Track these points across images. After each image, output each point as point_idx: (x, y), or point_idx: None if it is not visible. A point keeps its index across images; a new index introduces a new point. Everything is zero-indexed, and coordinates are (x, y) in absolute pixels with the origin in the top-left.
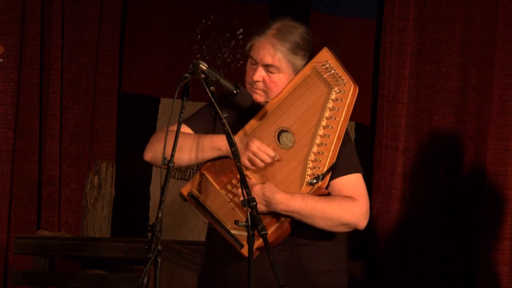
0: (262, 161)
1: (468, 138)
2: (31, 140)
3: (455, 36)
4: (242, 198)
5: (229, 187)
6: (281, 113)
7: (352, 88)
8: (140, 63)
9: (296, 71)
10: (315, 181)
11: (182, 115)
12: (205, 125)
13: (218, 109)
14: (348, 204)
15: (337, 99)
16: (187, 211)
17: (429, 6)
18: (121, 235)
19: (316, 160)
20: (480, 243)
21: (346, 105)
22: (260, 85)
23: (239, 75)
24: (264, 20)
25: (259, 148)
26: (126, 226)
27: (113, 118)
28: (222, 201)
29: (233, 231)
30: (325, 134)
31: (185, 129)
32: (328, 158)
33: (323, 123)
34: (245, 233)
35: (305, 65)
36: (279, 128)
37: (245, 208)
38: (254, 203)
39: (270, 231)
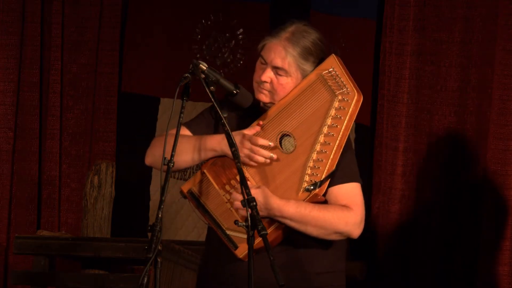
0: (261, 155)
1: (468, 138)
2: (31, 140)
3: (455, 36)
4: (236, 201)
5: (227, 187)
6: (285, 117)
7: (356, 97)
8: (140, 63)
9: (304, 76)
10: (312, 187)
11: (182, 115)
12: (206, 128)
13: (218, 109)
14: (343, 213)
15: (340, 107)
16: (187, 211)
17: (429, 6)
18: (121, 235)
19: (315, 167)
20: (480, 243)
21: (349, 113)
22: (267, 85)
23: (239, 75)
24: (264, 20)
25: (254, 143)
26: (126, 226)
27: (113, 118)
28: (220, 201)
29: (228, 232)
30: (325, 142)
31: (184, 131)
32: (327, 166)
33: (324, 130)
34: (241, 234)
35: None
36: (282, 132)
37: (240, 210)
38: (254, 203)
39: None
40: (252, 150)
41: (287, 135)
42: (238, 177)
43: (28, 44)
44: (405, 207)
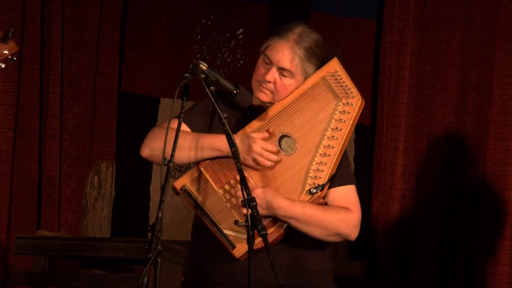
0: (268, 160)
1: (468, 138)
2: (31, 140)
3: (455, 36)
4: (240, 200)
5: (227, 187)
6: (285, 118)
7: (360, 101)
8: (140, 63)
9: (306, 78)
10: (315, 190)
11: (182, 115)
12: (203, 122)
13: (218, 109)
14: (345, 215)
15: (344, 111)
16: (187, 211)
17: (429, 6)
18: (121, 235)
19: (318, 169)
20: (480, 243)
21: (352, 118)
22: (271, 86)
23: (239, 75)
24: (264, 20)
25: (263, 148)
26: (126, 226)
27: (113, 118)
28: (218, 200)
29: (225, 231)
30: (329, 145)
31: (183, 127)
32: (330, 169)
33: (328, 133)
34: (238, 234)
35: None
36: (281, 133)
37: (241, 210)
38: (254, 203)
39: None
40: (261, 155)
41: (287, 136)
42: (238, 177)
43: (28, 44)
44: (405, 207)
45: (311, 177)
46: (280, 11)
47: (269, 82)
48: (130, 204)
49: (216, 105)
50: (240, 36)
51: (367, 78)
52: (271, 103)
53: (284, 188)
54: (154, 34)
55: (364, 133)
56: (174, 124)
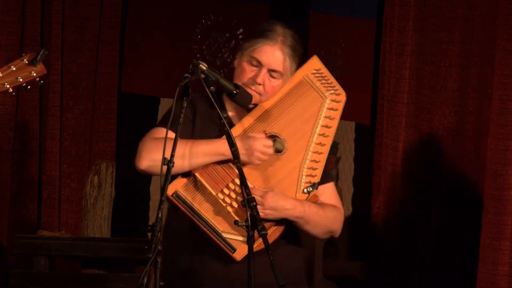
0: (270, 155)
1: (468, 138)
2: (31, 140)
3: (455, 36)
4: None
5: (226, 191)
6: (271, 119)
7: (344, 97)
8: (140, 63)
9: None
10: (311, 189)
11: (182, 115)
12: (189, 127)
13: (218, 109)
14: (337, 213)
15: (331, 108)
16: None
17: (429, 6)
18: (121, 235)
19: (312, 168)
20: (480, 243)
21: (339, 114)
22: (260, 88)
23: None
24: (264, 20)
25: (264, 145)
26: (126, 226)
27: (113, 118)
28: (216, 205)
29: (225, 235)
30: (320, 143)
31: (170, 135)
32: (323, 167)
33: (319, 131)
34: (238, 237)
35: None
36: (269, 133)
37: (242, 213)
38: (254, 203)
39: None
40: (265, 152)
41: (275, 136)
42: (236, 179)
43: (28, 44)
44: (405, 207)
45: (306, 176)
46: (280, 11)
47: (260, 84)
48: (130, 204)
49: (216, 105)
50: (240, 36)
51: (367, 78)
52: (256, 105)
53: (279, 188)
54: (154, 34)
55: (364, 133)
56: (160, 133)
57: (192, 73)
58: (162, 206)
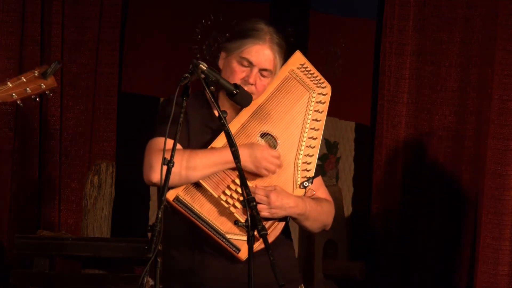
0: (277, 165)
1: (468, 138)
2: (31, 140)
3: (455, 36)
4: (262, 199)
5: (227, 192)
6: (261, 117)
7: (330, 90)
8: (140, 63)
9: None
10: (307, 183)
11: (182, 115)
12: (185, 131)
13: (218, 109)
14: (329, 207)
15: (319, 102)
16: None
17: (429, 6)
18: (121, 235)
19: (307, 162)
20: (480, 243)
21: (327, 107)
22: (253, 87)
23: None
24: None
25: (270, 155)
26: (126, 226)
27: (113, 118)
28: (217, 206)
29: (228, 236)
30: (312, 137)
31: (169, 143)
32: (316, 161)
33: (309, 125)
34: (241, 237)
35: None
36: (260, 131)
37: (245, 213)
38: (254, 203)
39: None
40: (272, 162)
41: (266, 134)
42: (237, 180)
43: (28, 44)
44: (405, 207)
45: (300, 171)
46: (280, 11)
47: (252, 84)
48: (130, 204)
49: (216, 105)
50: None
51: (367, 78)
52: None
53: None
54: (154, 34)
55: (364, 133)
56: (162, 143)
57: (192, 73)
58: (162, 206)
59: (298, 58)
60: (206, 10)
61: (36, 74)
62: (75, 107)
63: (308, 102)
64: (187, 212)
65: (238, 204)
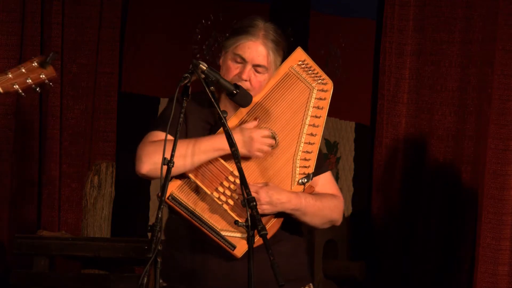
0: (269, 145)
1: (468, 138)
2: (31, 140)
3: (455, 36)
4: (237, 199)
5: (220, 189)
6: (261, 113)
7: (331, 86)
8: (140, 63)
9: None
10: (306, 180)
11: (182, 115)
12: (184, 129)
13: (218, 109)
14: (336, 202)
15: (320, 98)
16: None
17: (429, 6)
18: (121, 235)
19: (305, 159)
20: (480, 243)
21: (328, 103)
22: (247, 84)
23: None
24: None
25: (262, 135)
26: (126, 226)
27: (113, 118)
28: (212, 204)
29: (223, 233)
30: (311, 133)
31: (169, 137)
32: (315, 157)
33: (309, 121)
34: (236, 234)
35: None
36: (260, 127)
37: (238, 210)
38: (254, 203)
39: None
40: (264, 143)
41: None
42: (230, 177)
43: (28, 44)
44: (405, 207)
45: (300, 167)
46: (280, 11)
47: (246, 80)
48: (130, 204)
49: (216, 105)
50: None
51: (367, 78)
52: None
53: (274, 181)
54: (154, 34)
55: (364, 133)
56: (157, 136)
57: (192, 73)
58: (162, 206)
59: (298, 54)
60: (206, 10)
61: (35, 64)
62: (75, 107)
63: (308, 99)
64: (181, 209)
65: (231, 201)
